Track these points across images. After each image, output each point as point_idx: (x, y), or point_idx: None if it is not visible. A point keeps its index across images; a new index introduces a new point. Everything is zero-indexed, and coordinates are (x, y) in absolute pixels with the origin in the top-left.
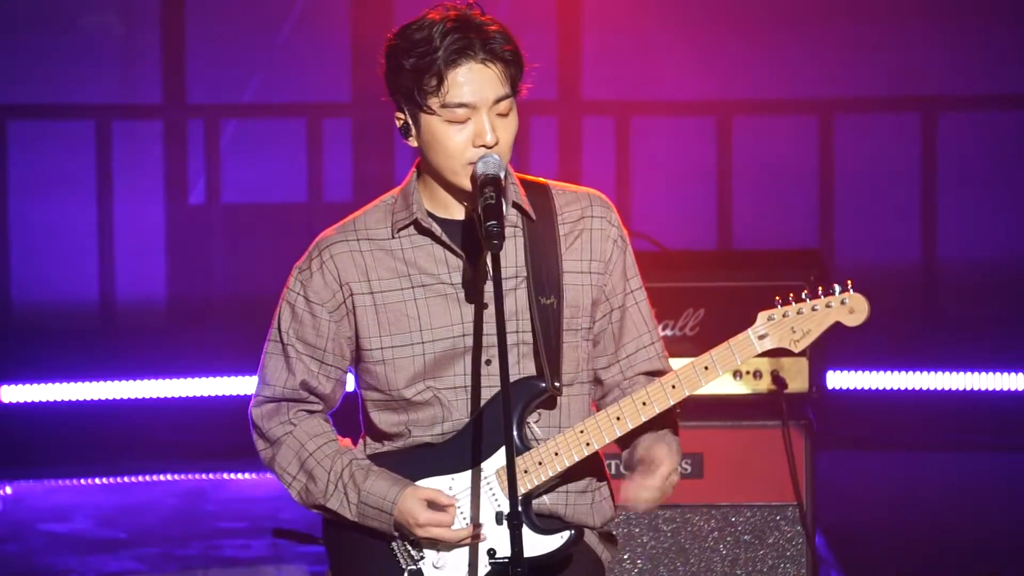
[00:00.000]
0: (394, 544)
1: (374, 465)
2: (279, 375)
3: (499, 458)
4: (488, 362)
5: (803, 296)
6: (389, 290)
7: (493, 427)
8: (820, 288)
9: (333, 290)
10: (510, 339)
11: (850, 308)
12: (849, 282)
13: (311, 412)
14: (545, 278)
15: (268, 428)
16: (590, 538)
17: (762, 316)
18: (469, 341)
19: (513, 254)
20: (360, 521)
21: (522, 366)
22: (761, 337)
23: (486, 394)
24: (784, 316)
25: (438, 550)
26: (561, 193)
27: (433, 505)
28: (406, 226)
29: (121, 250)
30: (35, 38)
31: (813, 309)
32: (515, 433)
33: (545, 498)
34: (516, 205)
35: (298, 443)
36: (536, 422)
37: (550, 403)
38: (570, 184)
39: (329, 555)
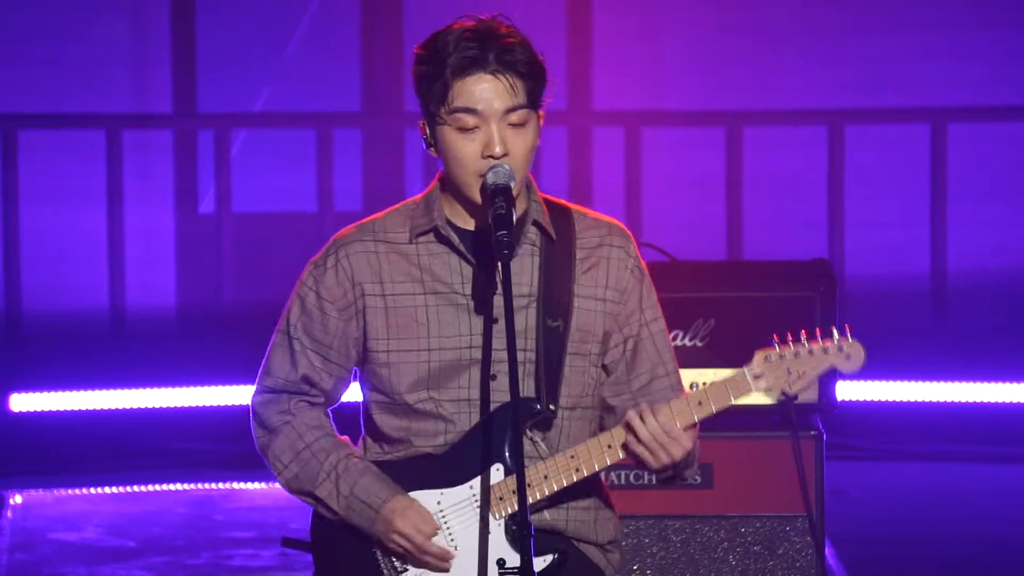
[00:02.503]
0: (378, 551)
1: (372, 465)
2: (282, 367)
3: (491, 476)
4: (494, 377)
5: (801, 338)
6: (401, 294)
7: (489, 443)
8: (818, 331)
9: (345, 289)
10: (517, 356)
11: (847, 355)
12: (848, 327)
13: (312, 404)
14: (555, 300)
15: (267, 416)
16: (592, 551)
17: (759, 355)
18: (476, 354)
19: (529, 272)
20: (344, 515)
21: (524, 385)
22: (756, 377)
23: (489, 409)
24: (781, 358)
25: (419, 567)
26: (582, 218)
27: (418, 524)
28: (425, 232)
29: (131, 259)
30: (46, 47)
31: (810, 353)
32: (506, 453)
33: (545, 513)
34: (537, 223)
35: (296, 433)
36: (543, 439)
37: (544, 424)
38: (591, 211)
39: (315, 558)
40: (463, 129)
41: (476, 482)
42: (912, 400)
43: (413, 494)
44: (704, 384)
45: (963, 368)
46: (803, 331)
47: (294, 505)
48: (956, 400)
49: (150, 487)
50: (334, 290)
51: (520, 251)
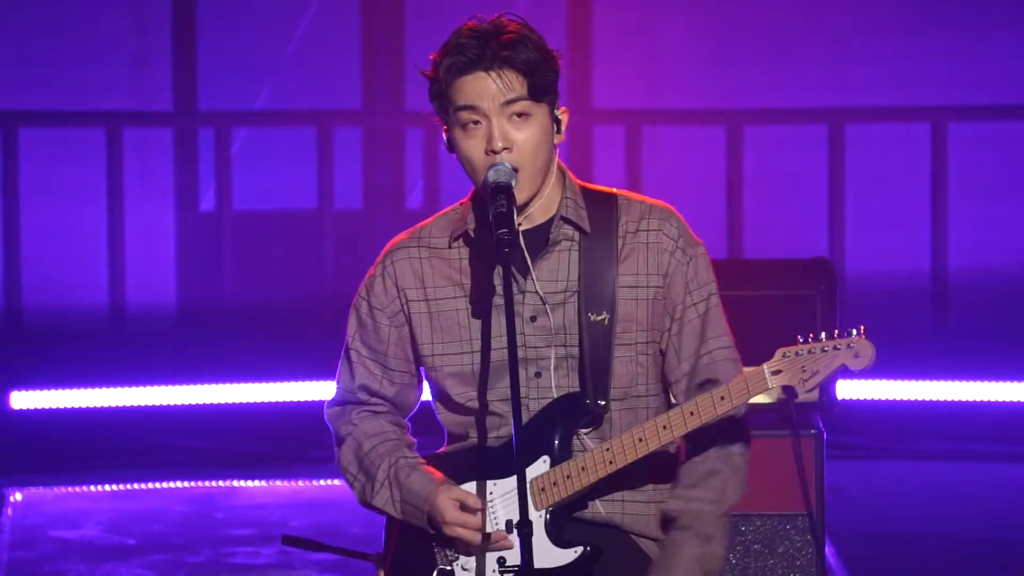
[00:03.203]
0: (434, 544)
1: (417, 463)
2: (345, 378)
3: (536, 468)
4: (538, 375)
5: (820, 336)
6: (442, 298)
7: (536, 437)
8: (835, 331)
9: (392, 296)
10: (559, 352)
11: (855, 352)
12: (862, 327)
13: (375, 413)
14: (597, 293)
15: (336, 428)
16: (650, 546)
17: (779, 353)
18: (520, 353)
19: (567, 267)
20: (404, 518)
21: (570, 380)
22: (775, 373)
23: (535, 406)
24: (797, 355)
25: (468, 554)
26: (627, 204)
27: (463, 507)
28: (460, 236)
29: (131, 257)
30: (47, 45)
31: (823, 350)
32: (556, 445)
33: (599, 505)
34: (566, 219)
35: (356, 443)
36: (587, 434)
37: (596, 420)
38: (639, 195)
39: (385, 552)
40: (466, 127)
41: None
42: (912, 399)
43: (466, 485)
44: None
45: (963, 367)
46: (823, 331)
47: (294, 503)
48: (956, 399)
49: (150, 485)
50: (382, 298)
51: (558, 247)
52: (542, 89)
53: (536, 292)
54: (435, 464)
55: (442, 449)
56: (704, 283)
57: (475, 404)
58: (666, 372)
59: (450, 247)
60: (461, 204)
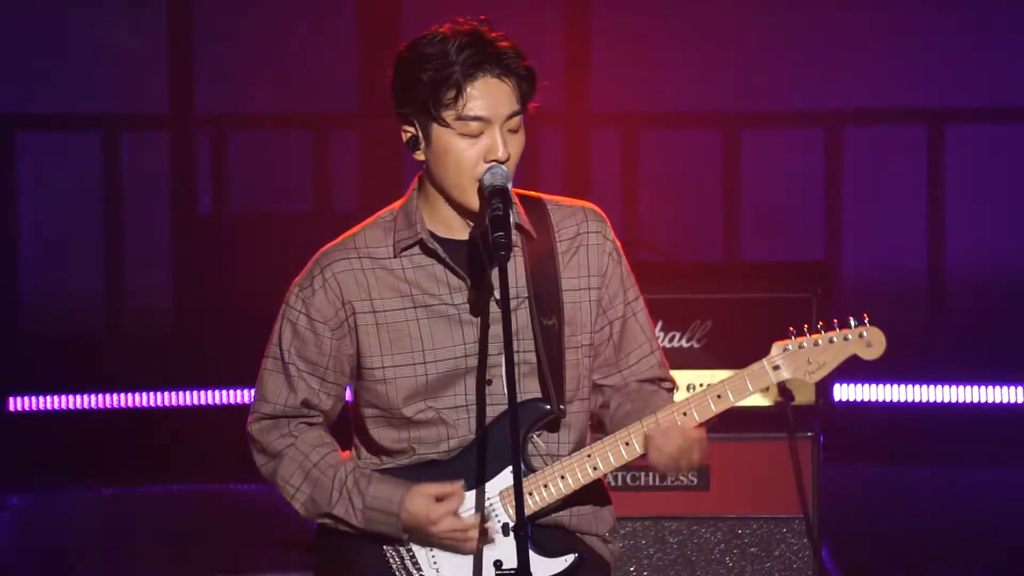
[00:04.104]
0: (391, 554)
1: (376, 472)
2: (280, 393)
3: (503, 479)
4: (490, 382)
5: (819, 327)
6: (391, 309)
7: (497, 447)
8: (836, 320)
9: (336, 308)
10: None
11: (868, 341)
12: (866, 315)
13: (311, 424)
14: (546, 298)
15: (269, 442)
16: (595, 543)
17: (777, 347)
18: (471, 362)
19: (513, 273)
20: (366, 527)
21: (523, 386)
22: (776, 368)
23: (488, 413)
24: (800, 347)
25: (437, 568)
26: (557, 208)
27: (439, 499)
28: (410, 246)
29: (128, 260)
30: (43, 48)
31: (830, 341)
32: (521, 454)
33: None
34: (517, 225)
35: (301, 454)
36: (539, 437)
37: (554, 424)
38: (564, 198)
39: (319, 563)
40: (467, 135)
41: (489, 485)
42: (909, 401)
43: None
44: (702, 386)
45: (960, 370)
46: (820, 321)
47: (291, 505)
48: (953, 401)
49: (148, 487)
50: (325, 310)
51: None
52: (528, 101)
53: (492, 299)
54: None
55: (364, 464)
56: (634, 283)
57: (425, 416)
58: (598, 369)
59: (395, 257)
60: (391, 211)
